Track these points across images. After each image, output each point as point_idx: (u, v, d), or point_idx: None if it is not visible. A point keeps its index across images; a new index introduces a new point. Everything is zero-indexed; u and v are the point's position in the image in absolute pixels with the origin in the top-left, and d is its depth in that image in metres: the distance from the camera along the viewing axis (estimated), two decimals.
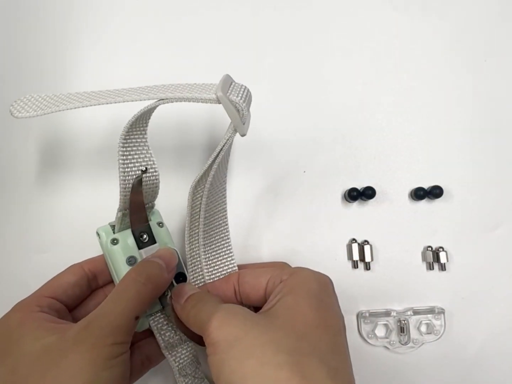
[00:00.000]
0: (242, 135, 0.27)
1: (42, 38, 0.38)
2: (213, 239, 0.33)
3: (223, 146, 0.27)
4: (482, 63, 0.40)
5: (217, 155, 0.28)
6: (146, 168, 0.28)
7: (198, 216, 0.32)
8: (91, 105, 0.26)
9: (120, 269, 0.29)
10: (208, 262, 0.33)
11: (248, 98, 0.26)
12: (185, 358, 0.31)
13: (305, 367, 0.21)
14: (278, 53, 0.39)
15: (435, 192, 0.36)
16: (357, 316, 0.37)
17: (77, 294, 0.29)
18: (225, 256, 0.33)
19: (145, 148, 0.29)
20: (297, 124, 0.38)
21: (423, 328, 0.37)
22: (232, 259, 0.33)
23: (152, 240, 0.30)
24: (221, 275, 0.33)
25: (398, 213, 0.37)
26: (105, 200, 0.35)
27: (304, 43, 0.39)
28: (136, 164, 0.28)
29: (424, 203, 0.38)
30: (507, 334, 0.37)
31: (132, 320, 0.25)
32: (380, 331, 0.37)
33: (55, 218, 0.36)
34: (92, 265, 0.30)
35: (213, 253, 0.33)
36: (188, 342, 0.32)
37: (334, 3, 0.39)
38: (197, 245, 0.33)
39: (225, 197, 0.33)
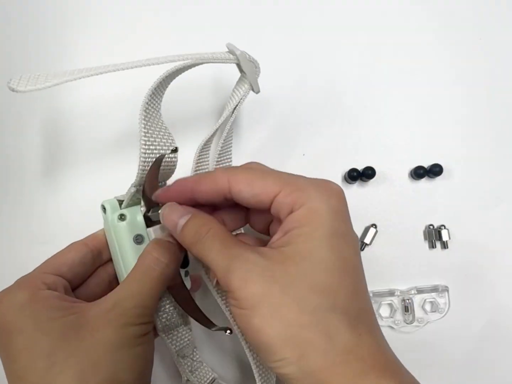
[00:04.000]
0: (257, 92, 0.30)
1: (39, 34, 0.38)
2: None
3: (238, 104, 0.29)
4: (477, 41, 0.39)
5: (232, 113, 0.29)
6: (176, 147, 0.27)
7: None
8: (103, 73, 0.24)
9: (125, 246, 0.28)
10: None
11: None
12: (181, 342, 0.31)
13: (328, 325, 0.21)
14: (275, 37, 0.38)
15: (435, 171, 0.37)
16: None
17: (82, 272, 0.28)
18: None
19: (164, 125, 0.29)
20: (295, 107, 0.38)
21: (428, 307, 0.37)
22: None
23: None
24: None
25: (399, 193, 0.38)
26: (108, 191, 0.35)
27: (302, 26, 0.39)
28: (157, 139, 0.28)
29: (424, 182, 0.38)
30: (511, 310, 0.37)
31: (157, 300, 0.26)
32: (384, 311, 0.37)
33: (59, 209, 0.36)
34: (96, 241, 0.29)
35: None
36: (183, 326, 0.32)
37: None
38: None
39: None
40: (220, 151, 0.32)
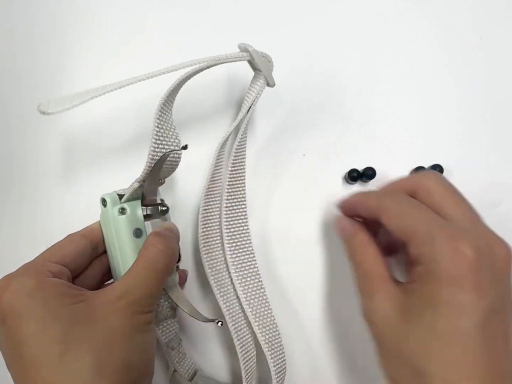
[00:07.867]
0: (272, 86, 0.31)
1: (39, 41, 0.38)
2: (234, 203, 0.34)
3: (254, 99, 0.30)
4: (477, 41, 0.39)
5: (248, 110, 0.30)
6: (186, 145, 0.27)
7: (220, 177, 0.34)
8: (124, 86, 0.26)
9: (124, 239, 0.28)
10: (229, 228, 0.33)
11: None
12: (170, 334, 0.32)
13: None
14: (274, 38, 0.38)
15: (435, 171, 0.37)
16: None
17: (81, 264, 0.28)
18: (243, 225, 0.35)
19: (173, 125, 0.29)
20: (294, 108, 0.38)
21: None
22: (248, 229, 0.35)
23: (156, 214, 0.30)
24: (241, 238, 0.34)
25: None
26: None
27: (302, 27, 0.39)
28: (166, 138, 0.28)
29: None
30: None
31: (161, 290, 0.27)
32: None
33: (62, 210, 0.36)
34: (94, 234, 0.29)
35: (234, 220, 0.34)
36: (172, 319, 0.32)
37: None
38: (215, 209, 0.34)
39: (244, 168, 0.34)
40: (236, 148, 0.32)
